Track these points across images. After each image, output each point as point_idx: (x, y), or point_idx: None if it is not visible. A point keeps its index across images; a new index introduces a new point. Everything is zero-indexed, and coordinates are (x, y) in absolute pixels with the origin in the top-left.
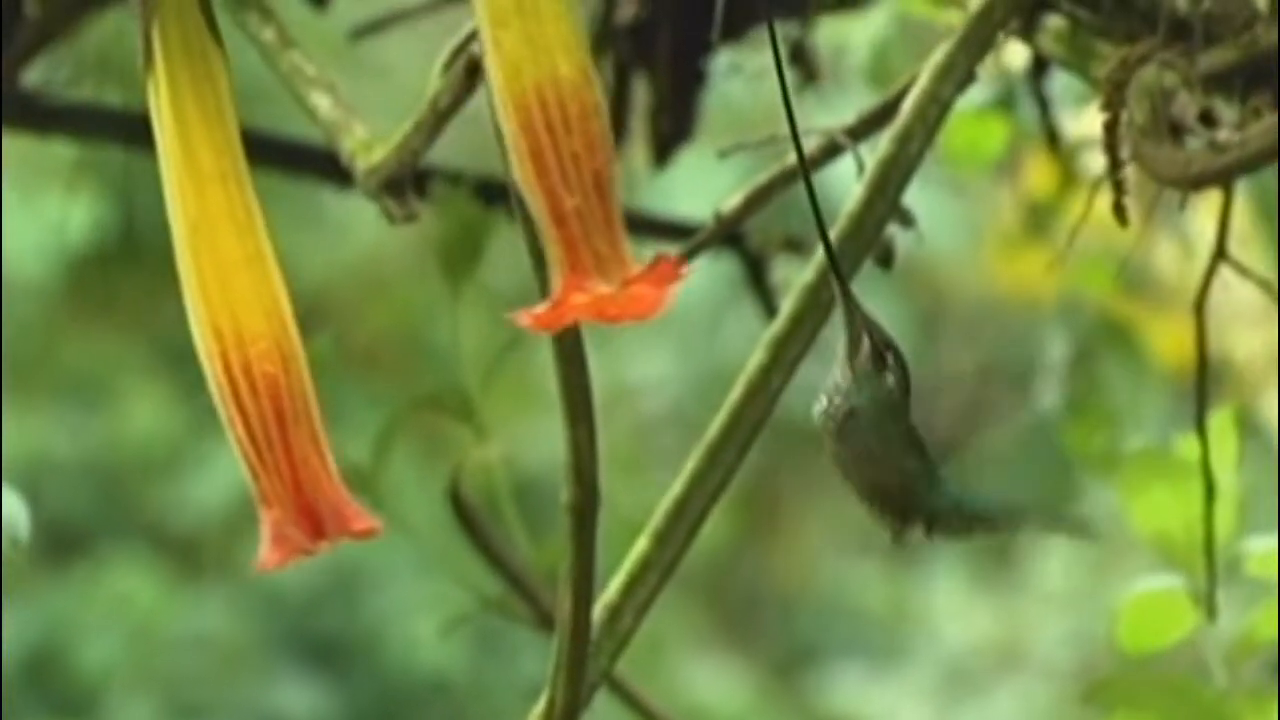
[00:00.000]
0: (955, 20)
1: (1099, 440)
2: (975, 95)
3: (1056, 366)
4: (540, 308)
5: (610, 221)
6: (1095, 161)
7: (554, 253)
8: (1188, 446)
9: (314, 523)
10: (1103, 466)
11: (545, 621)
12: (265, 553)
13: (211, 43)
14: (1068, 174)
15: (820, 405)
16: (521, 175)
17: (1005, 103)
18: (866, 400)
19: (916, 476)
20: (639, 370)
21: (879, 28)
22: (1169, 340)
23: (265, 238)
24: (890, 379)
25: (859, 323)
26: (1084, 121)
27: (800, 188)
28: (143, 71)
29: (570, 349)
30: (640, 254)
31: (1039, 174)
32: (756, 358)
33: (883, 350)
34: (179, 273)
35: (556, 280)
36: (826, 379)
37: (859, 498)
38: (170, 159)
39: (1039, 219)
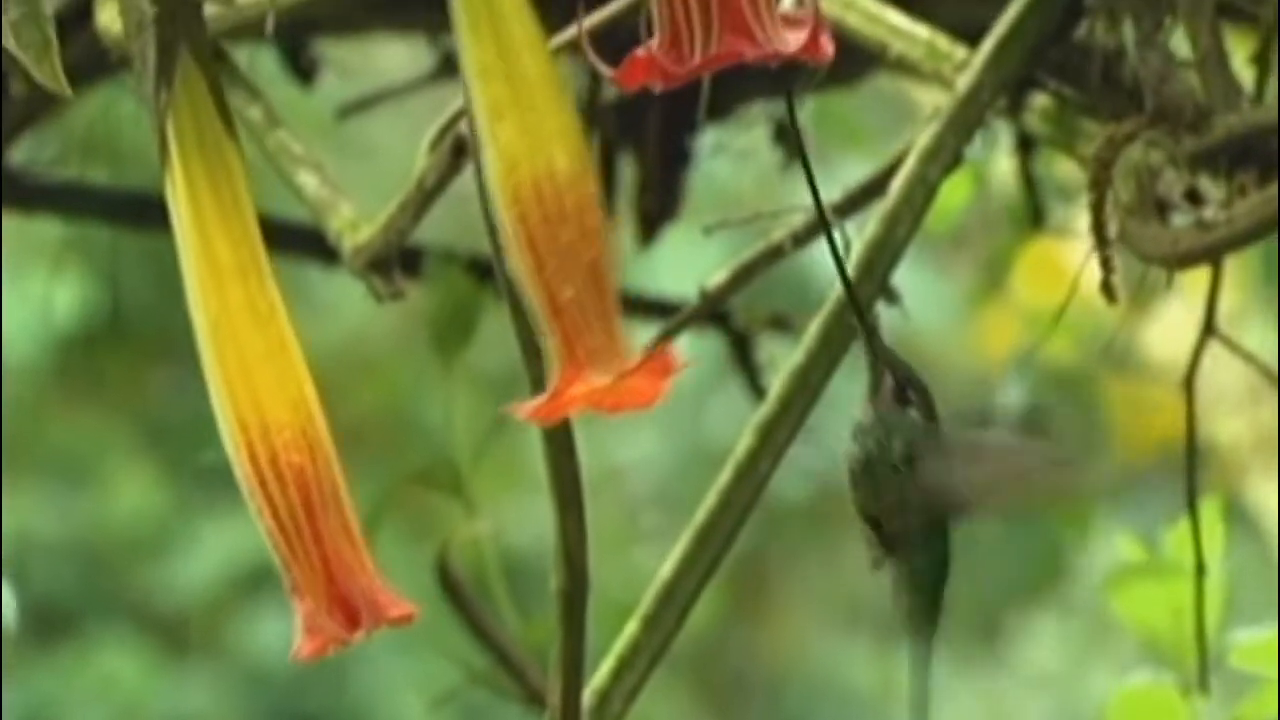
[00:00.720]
0: (942, 101)
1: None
2: None
3: (1010, 416)
4: (537, 401)
5: (607, 313)
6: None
7: (551, 344)
8: (1172, 539)
9: (348, 613)
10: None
11: (533, 698)
12: (299, 644)
13: (226, 136)
14: (1035, 215)
15: (848, 450)
16: (518, 267)
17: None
18: (890, 440)
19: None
20: (625, 449)
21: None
22: (1153, 421)
23: (288, 327)
24: (913, 415)
25: (881, 359)
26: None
27: (785, 266)
28: (159, 167)
29: (560, 437)
30: (629, 331)
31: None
32: (744, 442)
33: (904, 385)
34: (203, 366)
35: (554, 372)
36: (856, 421)
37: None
38: (189, 254)
39: (995, 275)
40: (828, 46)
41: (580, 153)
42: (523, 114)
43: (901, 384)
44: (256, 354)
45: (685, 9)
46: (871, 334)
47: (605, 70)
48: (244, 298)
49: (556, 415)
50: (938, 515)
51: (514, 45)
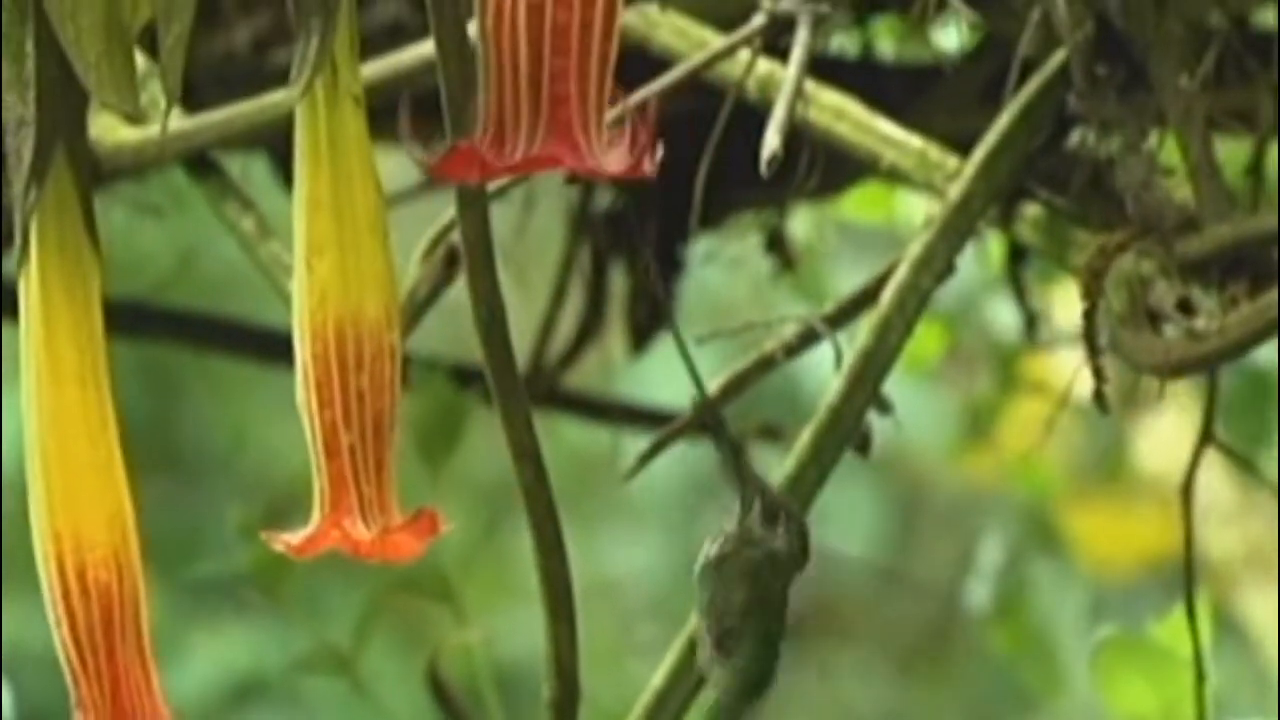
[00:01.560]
0: (934, 210)
1: (1027, 641)
2: None
3: (987, 569)
4: (297, 535)
5: (382, 466)
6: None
7: (321, 483)
8: (1162, 631)
9: None
10: (1033, 666)
11: None
12: None
13: (88, 243)
14: (1011, 378)
15: (704, 551)
16: (304, 402)
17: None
18: (750, 549)
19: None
20: (619, 561)
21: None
22: (1142, 534)
23: (117, 445)
24: (781, 537)
25: (751, 484)
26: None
27: (776, 376)
28: (16, 263)
29: (550, 543)
30: (619, 442)
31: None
32: None
33: (775, 510)
34: (26, 469)
35: (319, 510)
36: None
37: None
38: (32, 354)
39: (980, 423)
40: (650, 167)
41: (391, 303)
42: (343, 253)
43: (771, 508)
44: (82, 464)
45: (515, 106)
46: (740, 457)
47: (421, 160)
48: (80, 406)
49: (310, 552)
50: (772, 629)
51: (349, 182)
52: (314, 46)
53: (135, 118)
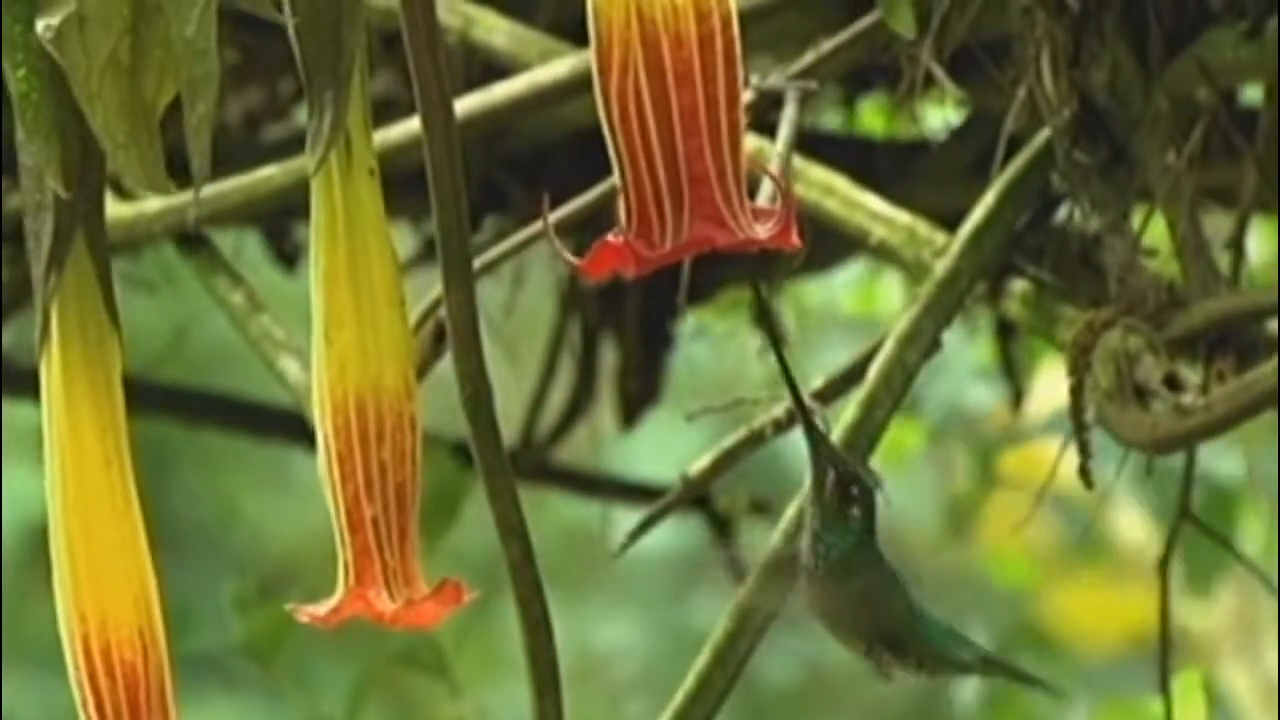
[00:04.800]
0: (921, 286)
1: None
2: None
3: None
4: (321, 606)
5: (405, 536)
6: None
7: (345, 555)
8: (1155, 710)
9: None
10: None
11: None
12: None
13: (108, 326)
14: (989, 473)
15: (804, 554)
16: (326, 475)
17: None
18: (848, 545)
19: (908, 616)
20: (607, 636)
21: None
22: (1125, 606)
23: (140, 525)
24: (856, 512)
25: (824, 455)
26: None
27: (765, 451)
28: (37, 345)
29: (536, 620)
30: (609, 517)
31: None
32: (723, 624)
33: (848, 483)
34: (50, 549)
35: (343, 581)
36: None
37: (848, 639)
38: (54, 437)
39: (959, 519)
40: (798, 236)
41: (409, 374)
42: (362, 326)
43: (845, 481)
44: (107, 546)
45: (655, 195)
46: (813, 427)
47: (571, 260)
48: (104, 488)
49: (334, 622)
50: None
51: (366, 255)
52: (328, 121)
53: (163, 193)
